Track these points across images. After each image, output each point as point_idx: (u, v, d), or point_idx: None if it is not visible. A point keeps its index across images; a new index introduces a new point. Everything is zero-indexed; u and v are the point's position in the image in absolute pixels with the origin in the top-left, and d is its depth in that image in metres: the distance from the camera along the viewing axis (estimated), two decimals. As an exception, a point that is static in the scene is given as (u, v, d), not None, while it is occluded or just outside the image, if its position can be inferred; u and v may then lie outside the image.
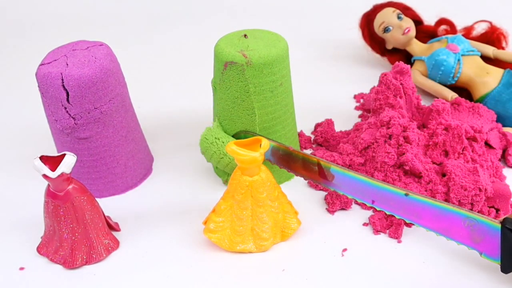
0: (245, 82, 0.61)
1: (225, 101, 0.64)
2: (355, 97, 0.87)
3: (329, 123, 0.77)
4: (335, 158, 0.68)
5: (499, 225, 0.53)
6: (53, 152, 0.69)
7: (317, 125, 0.79)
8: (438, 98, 0.75)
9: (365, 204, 0.63)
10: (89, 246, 0.58)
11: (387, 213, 0.59)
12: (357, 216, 0.64)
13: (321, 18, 1.17)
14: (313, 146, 0.76)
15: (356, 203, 0.65)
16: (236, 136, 0.65)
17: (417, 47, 0.87)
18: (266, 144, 0.55)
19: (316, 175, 0.62)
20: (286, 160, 0.64)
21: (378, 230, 0.61)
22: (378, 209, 0.59)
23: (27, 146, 0.78)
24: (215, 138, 0.64)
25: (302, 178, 0.69)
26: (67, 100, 0.60)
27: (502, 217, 0.54)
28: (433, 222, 0.56)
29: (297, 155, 0.63)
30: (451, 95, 0.79)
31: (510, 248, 0.52)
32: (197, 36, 1.12)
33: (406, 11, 0.89)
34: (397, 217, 0.58)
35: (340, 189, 0.61)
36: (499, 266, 0.54)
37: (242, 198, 0.56)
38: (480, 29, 0.88)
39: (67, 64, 0.60)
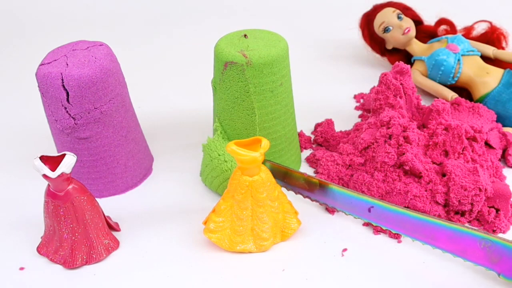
0: (245, 82, 0.61)
1: (225, 101, 0.64)
2: (355, 97, 0.87)
3: (329, 123, 0.77)
4: (335, 158, 0.68)
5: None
6: (53, 152, 0.69)
7: (317, 125, 0.79)
8: (438, 98, 0.75)
9: (391, 232, 0.62)
10: (89, 246, 0.58)
11: (403, 235, 0.58)
12: (357, 216, 0.64)
13: (321, 18, 1.17)
14: (313, 146, 0.76)
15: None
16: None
17: (417, 47, 0.87)
18: (266, 144, 0.55)
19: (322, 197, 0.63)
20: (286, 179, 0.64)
21: (378, 230, 0.61)
22: (393, 231, 0.58)
23: (27, 146, 0.78)
24: (218, 154, 0.64)
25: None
26: (67, 100, 0.60)
27: None
28: (449, 244, 0.56)
29: (298, 176, 0.63)
30: (451, 95, 0.79)
31: None
32: (197, 36, 1.12)
33: (406, 11, 0.89)
34: (412, 239, 0.58)
35: (347, 209, 0.61)
36: None
37: (242, 198, 0.56)
38: (480, 29, 0.88)
39: (67, 64, 0.60)
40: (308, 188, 0.63)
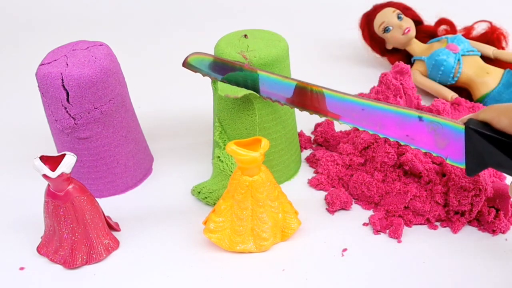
0: None
1: (225, 101, 0.64)
2: (355, 97, 0.87)
3: (329, 123, 0.77)
4: (335, 158, 0.68)
5: (463, 127, 0.51)
6: (53, 152, 0.69)
7: (317, 125, 0.79)
8: (438, 98, 0.75)
9: (368, 202, 0.63)
10: (89, 246, 0.58)
11: (350, 125, 0.57)
12: (357, 216, 0.64)
13: (321, 18, 1.17)
14: (313, 146, 0.76)
15: (357, 203, 0.65)
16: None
17: (417, 47, 0.87)
18: (266, 144, 0.55)
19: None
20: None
21: (378, 230, 0.61)
22: (341, 122, 0.57)
23: (27, 146, 0.78)
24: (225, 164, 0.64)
25: (302, 178, 0.70)
26: (67, 100, 0.60)
27: (465, 117, 0.53)
28: (396, 131, 0.54)
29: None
30: (451, 95, 0.79)
31: (474, 150, 0.51)
32: (197, 36, 1.12)
33: (406, 11, 0.89)
34: (360, 128, 0.56)
35: (303, 105, 0.59)
36: (502, 260, 0.54)
37: (242, 198, 0.56)
38: (480, 29, 0.88)
39: (67, 64, 0.60)
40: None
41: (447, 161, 0.53)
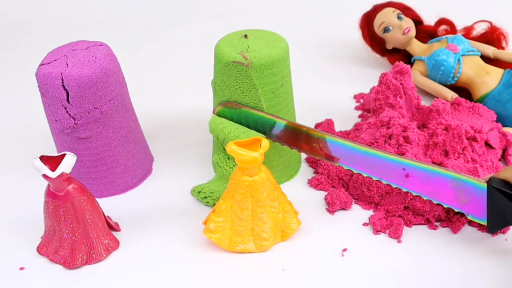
0: (251, 82, 0.61)
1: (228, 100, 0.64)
2: (355, 97, 0.87)
3: (329, 123, 0.77)
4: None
5: (485, 185, 0.52)
6: (53, 152, 0.69)
7: (317, 125, 0.79)
8: (438, 98, 0.75)
9: (368, 202, 0.64)
10: (89, 246, 0.58)
11: (374, 178, 0.58)
12: (357, 216, 0.64)
13: (321, 18, 1.17)
14: (313, 146, 0.76)
15: (357, 203, 0.65)
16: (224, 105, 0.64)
17: (417, 47, 0.87)
18: (266, 144, 0.55)
19: (317, 150, 0.61)
20: (290, 136, 0.63)
21: (378, 230, 0.61)
22: (365, 175, 0.58)
23: (27, 146, 0.78)
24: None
25: (302, 178, 0.70)
26: (67, 100, 0.60)
27: (488, 176, 0.54)
28: (419, 186, 0.56)
29: (299, 128, 0.62)
30: (451, 95, 0.79)
31: (496, 207, 0.52)
32: (197, 36, 1.12)
33: (406, 11, 0.89)
34: (384, 182, 0.57)
35: (332, 158, 0.60)
36: (502, 260, 0.54)
37: (242, 198, 0.56)
38: (480, 29, 0.88)
39: (67, 64, 0.60)
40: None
41: (469, 217, 0.54)
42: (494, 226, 0.53)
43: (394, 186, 0.57)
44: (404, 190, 0.57)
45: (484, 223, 0.54)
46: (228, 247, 0.58)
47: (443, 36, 0.85)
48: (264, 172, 0.56)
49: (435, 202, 0.56)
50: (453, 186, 0.54)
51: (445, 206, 0.55)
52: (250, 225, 0.58)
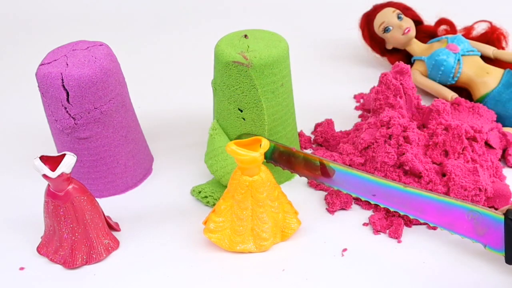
0: (251, 82, 0.61)
1: (224, 102, 0.64)
2: (355, 97, 0.87)
3: (329, 123, 0.77)
4: (335, 158, 0.68)
5: (503, 217, 0.53)
6: (53, 152, 0.69)
7: (317, 125, 0.79)
8: (438, 98, 0.75)
9: (368, 202, 0.64)
10: (89, 246, 0.58)
11: (391, 209, 0.59)
12: (357, 216, 0.64)
13: (321, 18, 1.17)
14: (313, 146, 0.76)
15: (357, 203, 0.65)
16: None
17: (417, 47, 0.87)
18: (266, 144, 0.55)
19: (319, 174, 0.62)
20: (288, 161, 0.64)
21: (378, 230, 0.61)
22: (382, 206, 0.59)
23: (27, 146, 0.78)
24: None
25: (302, 178, 0.70)
26: (67, 100, 0.60)
27: (505, 208, 0.55)
28: (437, 217, 0.57)
29: (299, 155, 0.63)
30: (451, 95, 0.79)
31: None
32: (197, 36, 1.12)
33: (406, 11, 0.89)
34: (401, 213, 0.58)
35: (342, 186, 0.61)
36: (502, 260, 0.54)
37: (242, 198, 0.56)
38: (480, 29, 0.88)
39: (67, 64, 0.60)
40: (309, 170, 0.63)
41: (486, 249, 0.55)
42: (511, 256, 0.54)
43: (411, 217, 0.59)
44: (422, 221, 0.58)
45: (502, 254, 0.54)
46: (228, 247, 0.58)
47: (443, 36, 0.85)
48: (264, 172, 0.56)
49: (451, 233, 0.57)
50: (470, 218, 0.55)
51: (462, 237, 0.56)
52: (250, 225, 0.58)
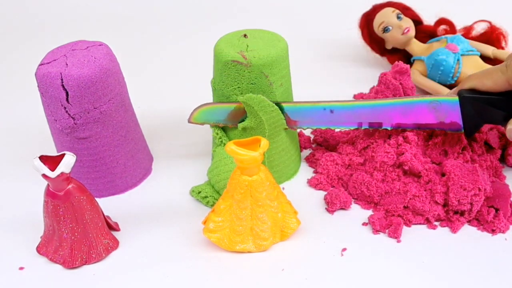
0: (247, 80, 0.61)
1: (223, 101, 0.64)
2: (355, 97, 0.87)
3: (328, 123, 0.77)
4: (335, 158, 0.68)
5: (457, 98, 0.62)
6: (52, 152, 0.69)
7: (317, 125, 0.79)
8: (437, 98, 0.75)
9: (367, 202, 0.64)
10: (88, 246, 0.58)
11: (363, 128, 0.65)
12: (356, 215, 0.64)
13: (320, 18, 1.17)
14: (313, 146, 0.76)
15: (357, 203, 0.65)
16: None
17: (416, 47, 0.87)
18: (265, 144, 0.55)
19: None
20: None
21: (377, 230, 0.61)
22: (352, 128, 0.65)
23: (27, 146, 0.78)
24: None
25: (302, 178, 0.70)
26: (67, 100, 0.60)
27: (456, 89, 0.64)
28: (404, 119, 0.63)
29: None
30: (451, 95, 0.79)
31: (469, 114, 0.62)
32: (197, 35, 1.12)
33: (406, 11, 0.89)
34: (370, 128, 0.65)
35: (309, 122, 0.66)
36: (502, 261, 0.55)
37: (241, 198, 0.56)
38: (479, 29, 0.88)
39: (67, 64, 0.60)
40: None
41: (448, 131, 0.63)
42: (470, 130, 0.63)
43: (384, 128, 0.64)
44: (390, 128, 0.64)
45: (462, 132, 0.63)
46: (227, 247, 0.58)
47: (443, 36, 0.85)
48: (263, 172, 0.56)
49: (419, 130, 0.63)
50: (431, 109, 0.62)
51: (427, 130, 0.63)
52: (250, 224, 0.58)
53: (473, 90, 0.62)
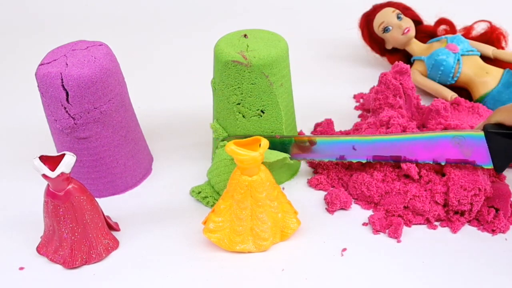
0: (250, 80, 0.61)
1: (224, 102, 0.64)
2: (355, 97, 0.87)
3: (328, 122, 0.77)
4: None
5: (483, 133, 0.59)
6: (53, 152, 0.69)
7: (317, 125, 0.79)
8: (437, 98, 0.75)
9: (367, 202, 0.64)
10: (88, 246, 0.58)
11: (384, 162, 0.63)
12: (356, 216, 0.64)
13: (320, 18, 1.17)
14: (313, 146, 0.76)
15: (357, 203, 0.65)
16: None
17: (416, 47, 0.87)
18: (265, 144, 0.55)
19: (308, 151, 0.66)
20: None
21: (377, 230, 0.61)
22: (366, 160, 0.64)
23: (27, 146, 0.78)
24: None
25: (302, 178, 0.70)
26: (67, 100, 0.60)
27: (481, 124, 0.61)
28: (425, 154, 0.62)
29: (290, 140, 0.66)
30: (451, 95, 0.79)
31: (497, 149, 0.59)
32: (197, 35, 1.12)
33: (406, 11, 0.89)
34: (393, 162, 0.63)
35: (326, 154, 0.66)
36: (502, 261, 0.55)
37: (241, 198, 0.56)
38: (479, 29, 0.88)
39: (67, 64, 0.60)
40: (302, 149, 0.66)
41: (476, 165, 0.60)
42: (500, 166, 0.60)
43: (403, 162, 0.62)
44: (414, 162, 0.62)
45: (491, 166, 0.60)
46: (227, 247, 0.58)
47: (443, 36, 0.85)
48: (263, 172, 0.56)
49: (443, 164, 0.61)
50: (454, 144, 0.60)
51: (454, 164, 0.60)
52: (250, 225, 0.58)
53: (500, 125, 0.59)
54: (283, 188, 0.68)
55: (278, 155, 0.63)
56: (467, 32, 0.88)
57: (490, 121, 0.60)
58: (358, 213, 0.64)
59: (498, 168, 0.60)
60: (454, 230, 0.61)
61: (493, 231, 0.60)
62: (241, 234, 0.58)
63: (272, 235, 0.59)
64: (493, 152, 0.59)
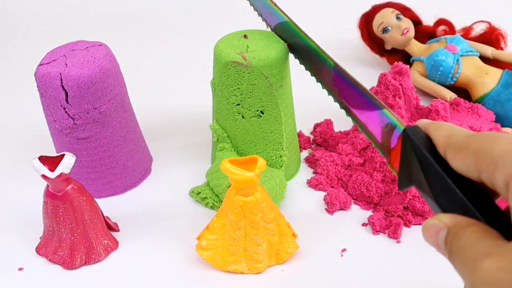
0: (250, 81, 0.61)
1: (224, 102, 0.64)
2: (354, 97, 0.87)
3: (328, 123, 0.77)
4: (334, 158, 0.68)
5: (402, 127, 0.40)
6: (52, 152, 0.69)
7: (316, 125, 0.79)
8: (437, 98, 0.75)
9: (367, 203, 0.64)
10: (88, 247, 0.58)
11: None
12: (356, 216, 0.64)
13: (320, 18, 1.17)
14: (312, 146, 0.76)
15: (356, 203, 0.65)
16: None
17: (416, 48, 0.87)
18: (262, 164, 0.51)
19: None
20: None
21: (377, 230, 0.61)
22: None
23: (26, 146, 0.78)
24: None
25: (302, 178, 0.70)
26: (66, 100, 0.60)
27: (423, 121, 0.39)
28: (360, 108, 0.47)
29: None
30: (450, 95, 0.79)
31: (406, 159, 0.38)
32: (197, 35, 1.12)
33: (405, 11, 0.89)
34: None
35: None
36: None
37: (235, 218, 0.53)
38: (479, 29, 0.88)
39: (66, 64, 0.60)
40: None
41: (388, 166, 0.42)
42: (402, 182, 0.39)
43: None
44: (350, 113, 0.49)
45: (396, 175, 0.41)
46: (219, 266, 0.56)
47: (442, 37, 0.85)
48: (259, 193, 0.53)
49: (366, 137, 0.46)
50: (380, 122, 0.44)
51: (373, 144, 0.45)
52: (243, 245, 0.55)
53: (427, 138, 0.37)
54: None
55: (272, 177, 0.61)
56: (466, 33, 0.88)
57: (421, 122, 0.38)
58: (358, 214, 0.64)
59: (399, 183, 0.40)
60: (454, 231, 0.60)
61: (492, 232, 0.60)
62: (234, 254, 0.55)
63: (268, 257, 0.56)
64: (403, 160, 0.39)
